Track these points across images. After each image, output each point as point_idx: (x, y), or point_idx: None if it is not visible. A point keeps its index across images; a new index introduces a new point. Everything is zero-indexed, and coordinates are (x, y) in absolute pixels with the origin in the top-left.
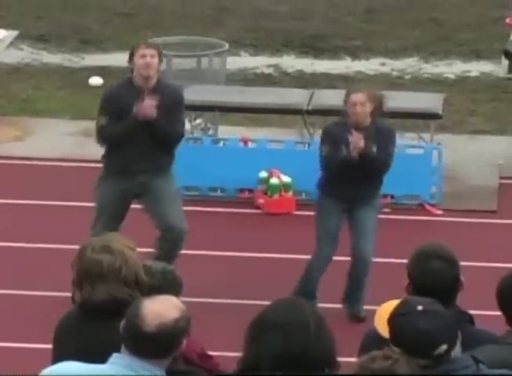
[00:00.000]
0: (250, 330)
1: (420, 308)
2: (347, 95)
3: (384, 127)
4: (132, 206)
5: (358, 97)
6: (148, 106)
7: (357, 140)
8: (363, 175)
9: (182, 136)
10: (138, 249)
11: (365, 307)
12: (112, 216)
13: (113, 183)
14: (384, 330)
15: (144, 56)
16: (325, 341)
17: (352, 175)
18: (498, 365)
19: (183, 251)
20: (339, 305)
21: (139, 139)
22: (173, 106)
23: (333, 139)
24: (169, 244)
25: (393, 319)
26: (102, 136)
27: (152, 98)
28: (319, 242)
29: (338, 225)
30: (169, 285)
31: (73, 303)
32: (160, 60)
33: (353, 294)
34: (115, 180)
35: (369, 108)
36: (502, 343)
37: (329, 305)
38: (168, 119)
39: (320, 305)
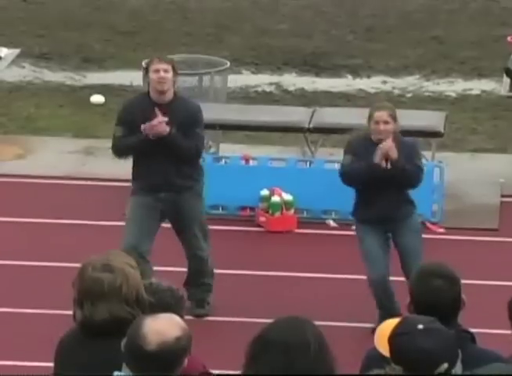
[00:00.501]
0: (251, 349)
1: (420, 327)
2: (371, 113)
3: (406, 141)
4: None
5: (383, 116)
6: (158, 124)
7: (390, 147)
8: (391, 191)
9: (200, 151)
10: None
11: (366, 325)
12: (135, 233)
13: (138, 198)
14: (384, 350)
15: (158, 70)
16: (325, 360)
17: (380, 193)
18: None
19: (183, 269)
20: (340, 323)
21: (159, 155)
22: (189, 121)
23: (355, 151)
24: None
25: (393, 339)
26: (117, 147)
27: (162, 114)
28: (366, 267)
29: (379, 245)
30: (173, 304)
31: (75, 322)
32: (176, 73)
33: None
34: (140, 195)
35: (391, 126)
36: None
37: (329, 323)
38: (185, 134)
39: (319, 322)
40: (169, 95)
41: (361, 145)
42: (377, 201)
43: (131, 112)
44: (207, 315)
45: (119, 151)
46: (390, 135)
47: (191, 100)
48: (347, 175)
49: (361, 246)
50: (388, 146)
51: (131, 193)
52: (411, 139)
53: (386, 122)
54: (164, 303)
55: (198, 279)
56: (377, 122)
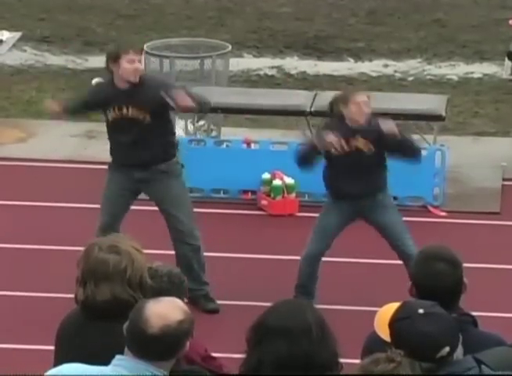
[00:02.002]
0: (252, 334)
1: (420, 311)
2: (349, 97)
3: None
4: (143, 208)
5: (364, 98)
6: (183, 97)
7: (391, 126)
8: (362, 169)
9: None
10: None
11: (367, 309)
12: (108, 211)
13: (112, 175)
14: (384, 334)
15: (133, 60)
16: (327, 344)
17: (349, 170)
18: (505, 368)
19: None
20: (340, 306)
21: (128, 132)
22: (165, 88)
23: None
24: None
25: (394, 323)
26: (67, 105)
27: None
28: (310, 237)
29: (336, 225)
30: (175, 288)
31: (76, 302)
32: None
33: None
34: (114, 172)
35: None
36: None
37: (330, 306)
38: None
39: (321, 306)
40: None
41: (338, 127)
42: (347, 178)
43: (97, 92)
44: (218, 309)
45: (67, 108)
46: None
47: (154, 77)
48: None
49: (318, 218)
50: (389, 126)
51: (107, 167)
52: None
53: (367, 104)
54: (159, 288)
55: (190, 269)
56: (358, 104)
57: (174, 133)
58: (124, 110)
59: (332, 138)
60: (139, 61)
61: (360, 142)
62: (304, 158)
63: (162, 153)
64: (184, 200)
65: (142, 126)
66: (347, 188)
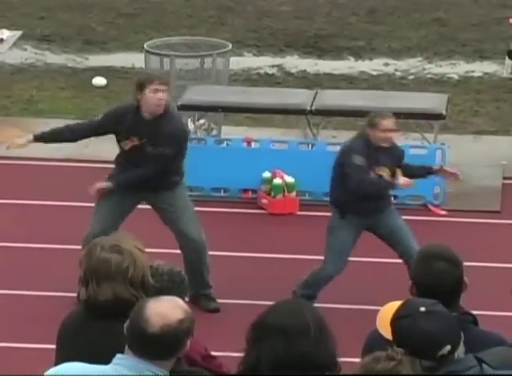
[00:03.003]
0: (251, 333)
1: (422, 309)
2: (377, 120)
3: (396, 145)
4: (144, 207)
5: (391, 124)
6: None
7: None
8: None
9: (160, 169)
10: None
11: (367, 307)
12: (103, 221)
13: (114, 192)
14: (386, 332)
15: (157, 90)
16: (326, 343)
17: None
18: (506, 367)
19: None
20: (340, 305)
21: (138, 164)
22: (168, 138)
23: (363, 154)
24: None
25: (396, 321)
26: (71, 130)
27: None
28: (326, 257)
29: (350, 242)
30: (176, 287)
31: (78, 301)
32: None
33: None
34: (117, 190)
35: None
36: None
37: (330, 305)
38: (161, 149)
39: (321, 305)
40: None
41: (365, 150)
42: (365, 197)
43: (117, 121)
44: (219, 309)
45: (71, 134)
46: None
47: (178, 119)
48: (362, 184)
49: (330, 237)
50: (406, 184)
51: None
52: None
53: (393, 130)
54: (160, 287)
55: (196, 270)
56: (384, 130)
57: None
58: (144, 141)
59: (404, 183)
60: (164, 92)
61: (383, 171)
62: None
63: (170, 180)
64: (187, 207)
65: (158, 158)
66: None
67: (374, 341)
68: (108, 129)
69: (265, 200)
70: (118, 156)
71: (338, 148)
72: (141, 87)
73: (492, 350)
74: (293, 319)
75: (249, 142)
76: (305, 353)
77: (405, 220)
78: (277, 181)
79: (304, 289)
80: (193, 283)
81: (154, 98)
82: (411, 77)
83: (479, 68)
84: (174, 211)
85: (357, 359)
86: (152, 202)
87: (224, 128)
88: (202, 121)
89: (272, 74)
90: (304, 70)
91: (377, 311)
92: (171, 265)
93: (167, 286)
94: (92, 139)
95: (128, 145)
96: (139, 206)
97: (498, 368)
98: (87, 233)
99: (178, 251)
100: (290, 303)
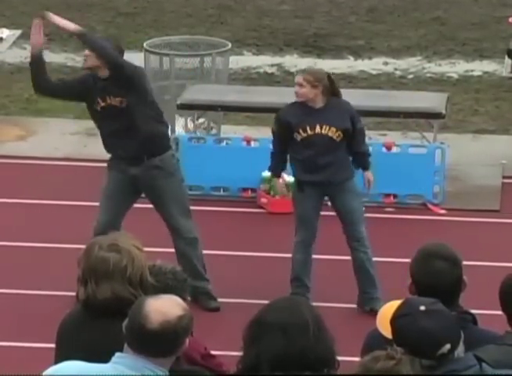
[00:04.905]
0: (249, 331)
1: (422, 308)
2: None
3: (342, 102)
4: (141, 206)
5: (298, 80)
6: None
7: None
8: (329, 160)
9: (120, 63)
10: (148, 249)
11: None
12: (107, 210)
13: (111, 173)
14: (386, 331)
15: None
16: (324, 341)
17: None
18: (497, 365)
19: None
20: (337, 304)
21: (114, 126)
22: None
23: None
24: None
25: (395, 320)
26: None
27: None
28: (296, 228)
29: (313, 212)
30: (180, 285)
31: (77, 300)
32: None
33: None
34: (112, 172)
35: (305, 90)
36: (501, 344)
37: (330, 304)
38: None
39: (321, 304)
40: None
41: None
42: (319, 167)
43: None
44: (219, 308)
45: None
46: (306, 98)
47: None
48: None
49: (295, 208)
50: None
51: (106, 166)
52: (344, 100)
53: (300, 85)
54: (165, 285)
55: (189, 265)
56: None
57: (162, 123)
58: (108, 100)
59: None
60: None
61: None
62: None
63: (150, 144)
64: (177, 196)
65: (122, 112)
66: None
67: (374, 341)
68: (81, 91)
69: (264, 199)
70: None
71: None
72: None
73: (491, 349)
74: (292, 316)
75: (248, 142)
76: (304, 350)
77: (405, 219)
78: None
79: (293, 280)
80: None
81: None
82: (410, 76)
83: (479, 67)
84: (162, 200)
85: (356, 359)
86: (143, 187)
87: (223, 127)
88: (201, 120)
89: (272, 73)
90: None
91: (377, 310)
92: (172, 264)
93: (172, 284)
94: (91, 138)
95: (99, 105)
96: (139, 206)
97: (497, 367)
98: (96, 223)
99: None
100: (287, 301)
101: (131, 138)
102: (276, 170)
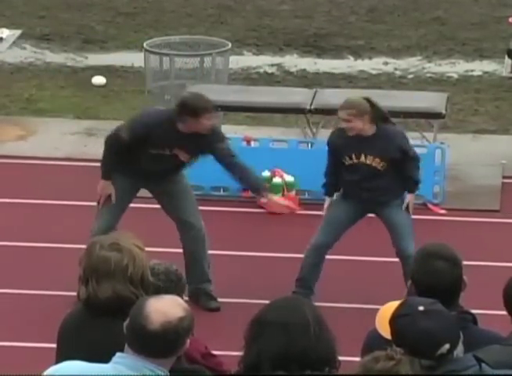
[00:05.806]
0: (251, 330)
1: (421, 308)
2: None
3: (391, 131)
4: (141, 206)
5: (343, 116)
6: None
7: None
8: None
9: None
10: (151, 248)
11: (366, 307)
12: (110, 213)
13: (116, 180)
14: (385, 332)
15: (210, 119)
16: (325, 340)
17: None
18: (500, 366)
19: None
20: (340, 305)
21: (163, 163)
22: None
23: (335, 146)
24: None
25: (395, 321)
26: (112, 144)
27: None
28: (318, 230)
29: (344, 219)
30: (173, 286)
31: (78, 300)
32: None
33: None
34: (119, 177)
35: (353, 123)
36: (506, 344)
37: (330, 304)
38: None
39: (321, 304)
40: None
41: (340, 138)
42: (363, 190)
43: (154, 132)
44: (220, 308)
45: (110, 147)
46: (359, 131)
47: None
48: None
49: (326, 212)
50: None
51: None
52: (395, 128)
53: (348, 121)
54: (157, 286)
55: (196, 261)
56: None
57: None
58: (175, 151)
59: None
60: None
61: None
62: None
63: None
64: (190, 193)
65: (180, 163)
66: None
67: (373, 341)
68: (143, 140)
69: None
70: (140, 153)
71: None
72: (195, 114)
73: (491, 349)
74: (294, 315)
75: (248, 141)
76: (306, 349)
77: None
78: (277, 180)
79: (299, 280)
80: (193, 275)
81: (208, 124)
82: (410, 76)
83: (479, 67)
84: (174, 198)
85: (356, 359)
86: (152, 189)
87: (223, 127)
88: None
89: (272, 73)
90: (304, 69)
91: (377, 310)
92: (166, 263)
93: (164, 285)
94: (91, 138)
95: (156, 151)
96: (139, 206)
97: (497, 367)
98: (97, 225)
99: (178, 250)
100: (288, 300)
101: (172, 177)
102: (327, 192)
